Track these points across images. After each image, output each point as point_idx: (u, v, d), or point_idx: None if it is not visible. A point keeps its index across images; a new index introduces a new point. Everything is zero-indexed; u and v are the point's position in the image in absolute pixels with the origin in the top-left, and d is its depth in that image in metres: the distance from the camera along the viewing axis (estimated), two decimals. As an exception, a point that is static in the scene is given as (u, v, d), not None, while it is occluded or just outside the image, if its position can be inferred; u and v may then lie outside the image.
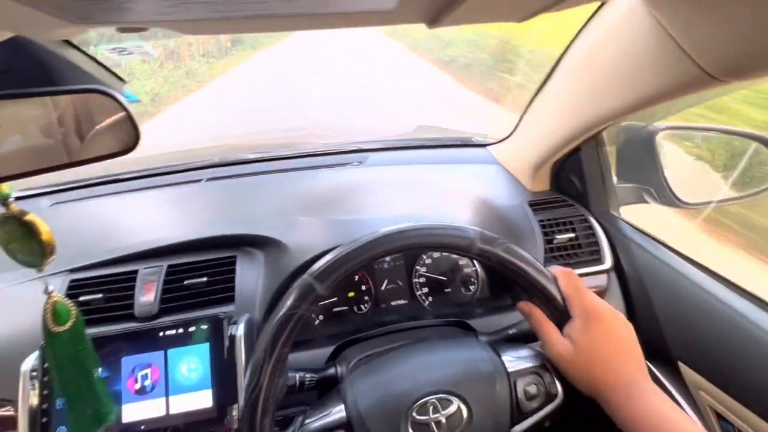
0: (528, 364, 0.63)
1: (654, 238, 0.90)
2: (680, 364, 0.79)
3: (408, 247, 0.62)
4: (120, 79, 0.66)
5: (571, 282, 0.63)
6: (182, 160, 1.29)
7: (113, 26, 0.31)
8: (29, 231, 0.50)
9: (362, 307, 0.93)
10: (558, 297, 0.62)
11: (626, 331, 0.60)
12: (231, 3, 0.27)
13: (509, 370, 0.62)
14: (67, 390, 0.58)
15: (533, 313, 0.65)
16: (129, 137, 0.49)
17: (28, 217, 0.49)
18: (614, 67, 0.64)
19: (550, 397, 0.62)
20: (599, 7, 0.65)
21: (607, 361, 0.57)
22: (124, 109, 0.48)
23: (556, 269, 0.65)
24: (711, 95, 0.79)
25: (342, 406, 0.61)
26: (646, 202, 0.99)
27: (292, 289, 0.59)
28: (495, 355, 0.64)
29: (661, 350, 0.83)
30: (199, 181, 1.14)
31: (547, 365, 0.63)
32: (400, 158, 1.28)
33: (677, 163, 0.96)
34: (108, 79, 0.61)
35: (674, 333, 0.81)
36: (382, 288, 0.94)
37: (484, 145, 1.27)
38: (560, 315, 0.62)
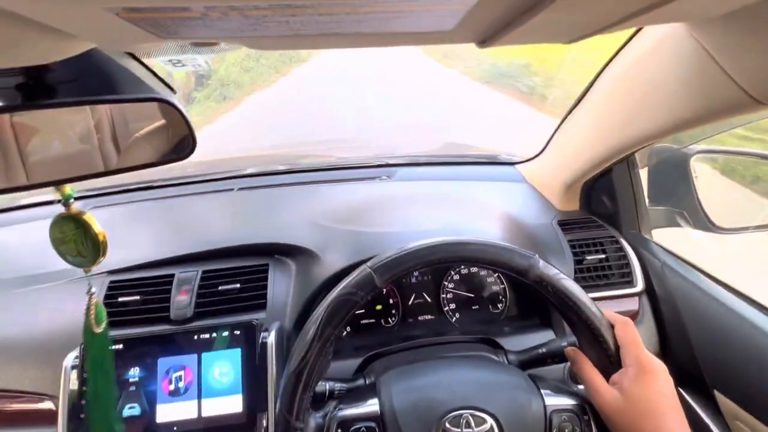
0: (567, 401, 0.62)
1: (687, 262, 0.88)
2: (716, 392, 0.77)
3: (466, 259, 0.63)
4: (171, 89, 0.69)
5: (629, 331, 0.62)
6: (214, 169, 1.33)
7: (192, 41, 0.33)
8: (85, 231, 0.52)
9: (390, 320, 0.93)
10: (611, 343, 0.61)
11: (673, 388, 0.59)
12: (306, 22, 0.29)
13: (547, 403, 0.62)
14: (94, 389, 0.60)
15: (578, 357, 0.64)
16: (185, 144, 0.52)
17: (85, 217, 0.51)
18: (652, 89, 0.65)
19: None
20: (638, 30, 0.66)
21: (657, 417, 0.56)
22: (184, 118, 0.50)
23: (615, 316, 0.64)
24: (753, 119, 0.79)
25: (376, 400, 0.61)
26: (678, 225, 0.98)
27: (351, 276, 0.61)
28: (534, 386, 0.64)
29: (695, 378, 0.81)
30: (231, 190, 1.17)
31: (586, 408, 0.62)
32: (428, 174, 1.29)
33: (712, 186, 0.95)
34: (161, 89, 0.65)
35: (709, 360, 0.79)
36: (410, 302, 0.95)
37: (512, 164, 1.27)
38: (609, 362, 0.61)
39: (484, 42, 0.36)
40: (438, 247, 0.62)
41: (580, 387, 0.76)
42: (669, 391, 0.58)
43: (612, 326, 0.63)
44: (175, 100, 0.51)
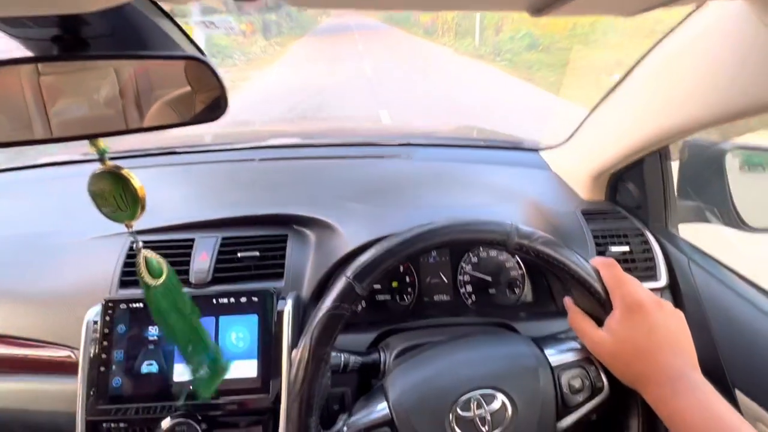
0: (572, 357, 0.63)
1: (714, 259, 0.86)
2: (737, 392, 0.75)
3: (444, 244, 0.63)
4: (201, 51, 0.68)
5: (612, 272, 0.61)
6: (233, 138, 1.33)
7: None
8: (124, 186, 0.52)
9: (405, 298, 0.93)
10: (600, 289, 0.61)
11: (674, 321, 0.58)
12: None
13: (553, 364, 0.62)
14: (177, 339, 0.58)
15: (571, 310, 0.64)
16: (215, 104, 0.51)
17: (123, 171, 0.51)
18: (705, 74, 0.61)
19: (596, 390, 0.61)
20: (691, 13, 0.63)
21: (651, 354, 0.55)
22: (217, 78, 0.50)
23: (597, 260, 0.64)
24: None
25: (385, 404, 0.61)
26: (707, 221, 0.95)
27: (333, 289, 0.60)
28: (537, 350, 0.64)
29: (717, 376, 0.79)
30: (252, 160, 1.17)
31: (591, 358, 0.62)
32: (448, 156, 1.28)
33: (746, 184, 0.92)
34: (192, 51, 0.64)
35: (732, 359, 0.77)
36: (426, 282, 0.94)
37: (535, 150, 1.25)
38: (602, 308, 0.61)
39: (540, 11, 0.34)
40: (412, 240, 0.62)
41: None
42: (660, 327, 0.56)
43: (598, 272, 0.62)
44: (208, 59, 0.50)
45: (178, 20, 0.59)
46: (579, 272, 0.61)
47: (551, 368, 0.61)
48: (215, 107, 0.50)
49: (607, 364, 0.59)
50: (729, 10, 0.55)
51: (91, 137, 0.56)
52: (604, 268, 0.62)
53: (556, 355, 0.63)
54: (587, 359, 0.62)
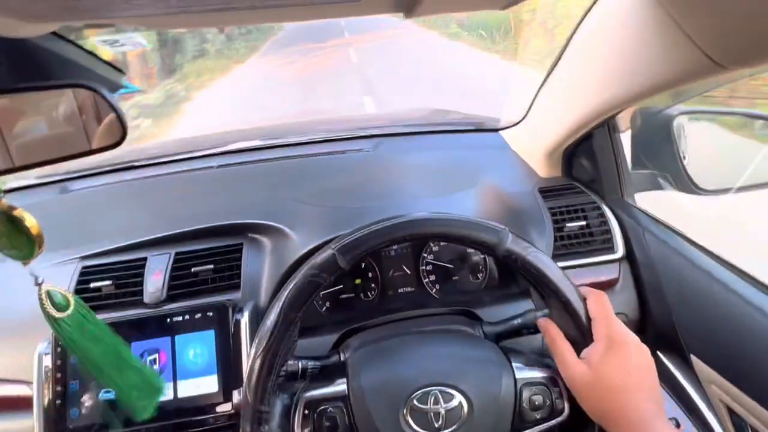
0: (538, 374, 0.62)
1: (668, 227, 0.87)
2: (692, 357, 0.77)
3: (433, 236, 0.63)
4: (118, 70, 0.66)
5: (601, 304, 0.60)
6: (193, 146, 1.30)
7: (74, 22, 0.30)
8: (17, 227, 0.50)
9: (369, 294, 0.93)
10: (583, 315, 0.60)
11: (650, 364, 0.58)
12: None
13: (517, 376, 0.62)
14: (99, 368, 0.56)
15: (549, 329, 0.63)
16: (117, 131, 0.49)
17: (15, 213, 0.49)
18: (618, 55, 0.61)
19: (555, 411, 0.61)
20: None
21: (626, 394, 0.55)
22: (109, 103, 0.48)
23: (588, 290, 0.63)
24: (716, 83, 0.75)
25: (344, 380, 0.61)
26: (662, 189, 0.96)
27: (314, 258, 0.60)
28: (505, 359, 0.64)
29: (673, 342, 0.81)
30: (210, 168, 1.15)
31: (556, 379, 0.62)
32: (412, 145, 1.27)
33: (695, 147, 0.92)
34: (106, 72, 0.62)
35: (687, 325, 0.79)
36: (389, 275, 0.94)
37: (496, 130, 1.24)
38: (580, 335, 0.61)
39: (410, 11, 0.33)
40: (403, 225, 0.61)
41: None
42: (640, 368, 0.57)
43: (584, 299, 0.62)
44: (98, 86, 0.48)
45: (83, 42, 0.57)
46: (564, 294, 0.61)
47: (515, 380, 0.61)
48: (115, 133, 0.48)
49: (579, 395, 0.59)
50: None
51: (55, 162, 0.54)
52: (593, 298, 0.61)
53: (522, 369, 0.62)
54: (552, 379, 0.62)
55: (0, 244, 0.48)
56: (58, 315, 0.52)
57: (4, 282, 0.83)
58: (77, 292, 0.79)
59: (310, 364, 0.70)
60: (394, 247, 0.96)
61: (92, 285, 0.80)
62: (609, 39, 0.63)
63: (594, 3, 0.65)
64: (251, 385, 0.57)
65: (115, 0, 0.25)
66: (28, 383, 0.73)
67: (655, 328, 0.85)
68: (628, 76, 0.61)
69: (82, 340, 0.54)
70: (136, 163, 1.20)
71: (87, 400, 0.69)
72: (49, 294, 0.51)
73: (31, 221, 0.47)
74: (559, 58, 0.82)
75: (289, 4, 0.28)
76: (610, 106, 0.71)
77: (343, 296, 0.93)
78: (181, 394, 0.71)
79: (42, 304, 0.53)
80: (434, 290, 0.94)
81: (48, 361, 0.70)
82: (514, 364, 0.63)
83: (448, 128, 1.34)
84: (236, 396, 0.72)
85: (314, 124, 2.01)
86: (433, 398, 0.59)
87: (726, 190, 0.90)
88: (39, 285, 0.52)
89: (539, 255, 0.62)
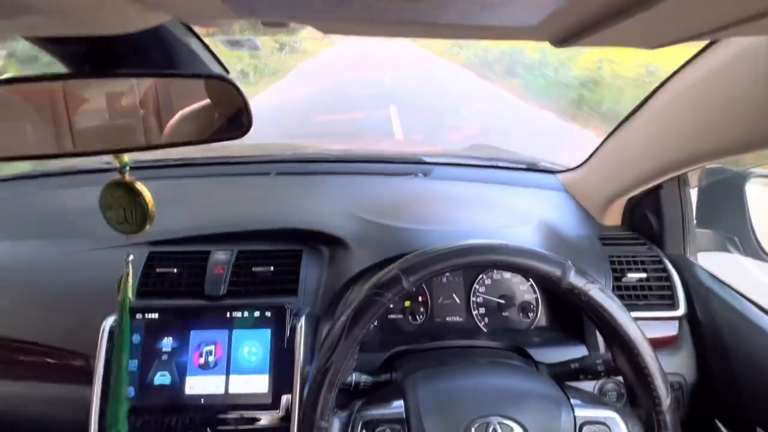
0: (598, 413, 0.61)
1: (734, 289, 0.84)
2: (758, 429, 0.73)
3: (497, 264, 0.62)
4: (225, 69, 0.70)
5: None
6: (252, 152, 1.34)
7: (267, 19, 0.33)
8: (136, 199, 0.54)
9: (417, 317, 0.93)
10: (645, 354, 0.60)
11: None
12: (387, 9, 0.29)
13: (577, 414, 0.60)
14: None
15: None
16: (239, 122, 0.52)
17: (138, 186, 0.53)
18: (725, 104, 0.61)
19: None
20: (711, 43, 0.63)
21: None
22: (241, 96, 0.51)
23: None
24: None
25: (401, 402, 0.61)
26: (728, 250, 0.94)
27: (379, 276, 0.60)
28: (564, 396, 0.62)
29: (735, 412, 0.77)
30: (268, 174, 1.18)
31: (617, 420, 0.60)
32: (465, 175, 1.28)
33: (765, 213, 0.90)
34: (216, 68, 0.66)
35: (753, 395, 0.75)
36: (439, 302, 0.94)
37: (552, 172, 1.24)
38: (639, 377, 0.60)
39: (563, 41, 0.34)
40: (468, 250, 0.62)
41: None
42: None
43: (647, 338, 0.60)
44: (235, 80, 0.51)
45: (205, 38, 0.61)
46: (629, 333, 0.60)
47: (574, 417, 0.60)
48: (238, 125, 0.51)
49: None
50: (747, 44, 0.55)
51: (114, 152, 0.57)
52: None
53: (581, 407, 0.61)
54: (613, 420, 0.60)
55: (114, 214, 0.51)
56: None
57: (78, 260, 0.87)
58: (143, 275, 0.81)
59: (363, 377, 0.70)
60: (447, 274, 0.96)
61: (158, 270, 0.82)
62: (711, 90, 0.63)
63: (695, 56, 0.66)
64: (312, 399, 0.57)
65: (319, 2, 0.27)
66: (86, 357, 0.74)
67: (717, 394, 0.82)
68: (733, 129, 0.61)
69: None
70: (197, 161, 1.24)
71: (143, 381, 0.70)
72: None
73: (148, 197, 0.50)
74: (642, 105, 0.82)
75: (470, 24, 0.30)
76: (698, 158, 0.71)
77: (392, 316, 0.93)
78: (232, 390, 0.71)
79: (124, 280, 0.57)
80: (483, 323, 0.93)
81: (111, 338, 0.72)
82: (572, 401, 0.62)
83: (503, 164, 1.35)
84: (284, 400, 0.71)
85: (365, 148, 2.05)
86: (492, 429, 0.58)
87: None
88: (128, 261, 0.56)
89: (602, 291, 0.61)
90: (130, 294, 0.68)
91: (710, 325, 0.84)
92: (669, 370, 0.85)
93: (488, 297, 0.94)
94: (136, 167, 1.18)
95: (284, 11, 0.30)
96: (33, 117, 0.57)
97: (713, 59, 0.64)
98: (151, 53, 0.55)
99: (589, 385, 0.78)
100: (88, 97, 0.58)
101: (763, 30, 0.33)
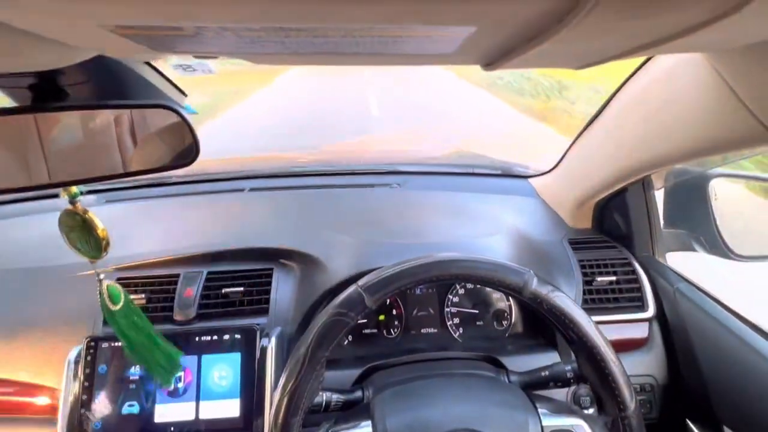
0: (565, 421, 0.61)
1: (702, 289, 0.85)
2: (725, 428, 0.74)
3: (459, 277, 0.63)
4: (182, 93, 0.70)
5: None
6: (226, 168, 1.34)
7: (190, 54, 0.33)
8: (87, 226, 0.54)
9: (392, 331, 0.93)
10: (609, 360, 0.60)
11: None
12: (302, 43, 0.29)
13: (544, 424, 0.60)
14: (138, 353, 0.67)
15: None
16: (188, 150, 0.52)
17: (87, 216, 0.54)
18: (666, 114, 0.63)
19: None
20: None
21: None
22: (187, 123, 0.51)
23: None
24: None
25: (369, 423, 0.60)
26: (694, 250, 0.95)
27: (341, 296, 0.60)
28: (531, 405, 0.63)
29: (704, 411, 0.78)
30: (242, 190, 1.18)
31: (584, 427, 0.60)
32: (439, 184, 1.28)
33: (730, 212, 0.92)
34: (172, 93, 0.65)
35: (720, 394, 0.76)
36: (413, 314, 0.94)
37: (524, 177, 1.25)
38: (605, 382, 0.61)
39: (489, 65, 0.35)
40: (429, 266, 0.62)
41: (584, 411, 0.75)
42: None
43: (610, 343, 0.61)
44: (178, 106, 0.51)
45: (159, 63, 0.61)
46: (592, 339, 0.61)
47: (541, 427, 0.60)
48: (187, 153, 0.51)
49: None
50: (687, 55, 0.56)
51: (89, 181, 0.57)
52: None
53: (548, 416, 0.61)
54: (580, 427, 0.61)
55: (72, 237, 0.54)
56: (113, 308, 0.62)
57: (38, 292, 0.85)
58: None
59: (335, 397, 0.70)
60: (420, 286, 0.96)
61: None
62: (657, 99, 0.65)
63: (645, 62, 0.67)
64: (277, 422, 0.57)
65: (234, 39, 0.27)
66: (52, 390, 0.73)
67: (687, 393, 0.82)
68: (675, 138, 0.62)
69: (127, 329, 0.65)
70: (169, 180, 1.23)
71: (110, 413, 0.69)
72: (108, 288, 0.58)
73: (99, 226, 0.50)
74: (601, 112, 0.84)
75: (389, 53, 0.30)
76: (651, 164, 0.72)
77: (366, 331, 0.92)
78: (202, 416, 0.70)
79: (102, 297, 0.59)
80: (457, 333, 0.93)
81: (77, 368, 0.70)
82: (540, 411, 0.62)
83: (476, 171, 1.36)
84: (256, 424, 0.71)
85: (342, 155, 2.05)
86: None
87: (764, 258, 0.89)
88: (100, 281, 0.58)
89: (565, 298, 0.62)
90: (110, 303, 0.68)
91: (679, 325, 0.85)
92: (640, 371, 0.86)
93: (462, 308, 0.94)
94: (106, 189, 1.19)
95: (203, 46, 0.30)
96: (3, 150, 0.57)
97: (656, 68, 0.65)
98: (99, 82, 0.55)
99: (562, 392, 0.79)
100: (61, 128, 0.58)
101: (682, 48, 0.34)
